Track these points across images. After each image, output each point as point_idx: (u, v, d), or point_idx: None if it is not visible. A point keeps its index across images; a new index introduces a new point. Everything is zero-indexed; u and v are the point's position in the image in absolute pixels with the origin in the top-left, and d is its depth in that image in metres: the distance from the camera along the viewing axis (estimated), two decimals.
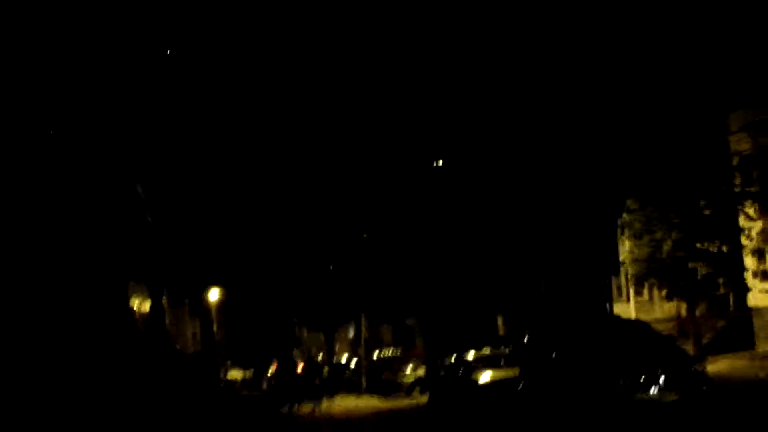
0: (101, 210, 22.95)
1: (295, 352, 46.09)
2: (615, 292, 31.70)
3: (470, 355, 25.85)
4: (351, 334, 43.63)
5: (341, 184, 29.42)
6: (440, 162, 26.82)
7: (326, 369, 41.53)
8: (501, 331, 35.14)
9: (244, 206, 34.37)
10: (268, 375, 39.93)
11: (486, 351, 27.23)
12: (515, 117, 24.30)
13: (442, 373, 26.19)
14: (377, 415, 25.19)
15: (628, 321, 21.62)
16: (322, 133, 28.21)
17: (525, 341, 22.16)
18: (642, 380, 17.74)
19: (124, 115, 24.87)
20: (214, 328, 45.01)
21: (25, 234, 18.55)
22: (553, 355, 20.04)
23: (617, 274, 29.13)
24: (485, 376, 23.40)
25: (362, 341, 34.92)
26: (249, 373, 50.70)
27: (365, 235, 30.28)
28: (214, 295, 43.01)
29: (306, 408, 29.29)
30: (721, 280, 27.12)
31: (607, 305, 28.41)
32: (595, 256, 26.18)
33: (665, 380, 17.50)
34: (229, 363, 50.06)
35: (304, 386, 30.80)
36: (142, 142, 26.95)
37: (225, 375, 47.98)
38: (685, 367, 18.53)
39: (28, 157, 18.92)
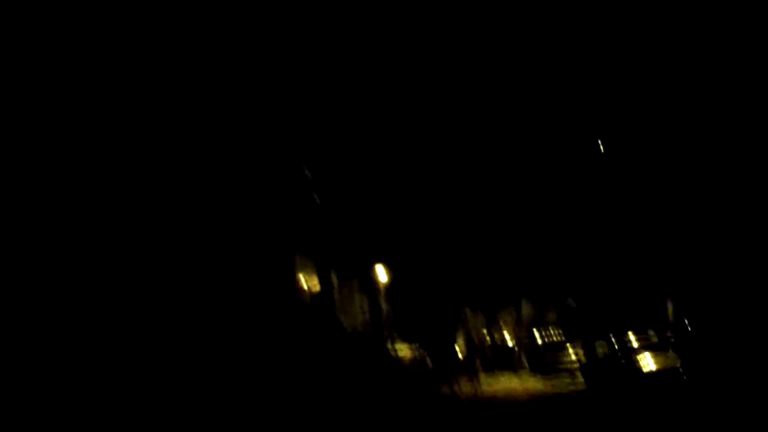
0: (269, 191, 23.74)
1: (459, 332, 46.19)
2: None
3: (633, 340, 25.15)
4: (514, 314, 43.33)
5: (503, 164, 29.16)
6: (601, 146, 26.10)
7: (488, 349, 41.45)
8: (671, 317, 33.95)
9: (411, 186, 34.68)
10: (433, 354, 40.21)
11: (652, 336, 26.45)
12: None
13: (600, 357, 25.65)
14: (536, 397, 25.02)
15: None
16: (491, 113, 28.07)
17: (686, 328, 21.43)
18: None
19: (289, 96, 25.59)
20: (382, 305, 45.75)
21: (190, 212, 19.24)
22: (717, 346, 19.29)
23: None
24: (648, 364, 22.73)
25: (523, 322, 34.64)
26: (417, 351, 51.31)
27: (525, 215, 29.92)
28: (381, 272, 43.72)
29: (467, 387, 29.41)
30: None
31: None
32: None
33: None
34: (398, 340, 50.83)
35: (466, 366, 30.90)
36: (310, 122, 27.66)
37: (394, 352, 48.75)
38: None
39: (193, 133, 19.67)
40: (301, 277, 31.85)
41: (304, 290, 32.08)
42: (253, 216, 22.55)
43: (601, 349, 27.11)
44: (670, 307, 34.46)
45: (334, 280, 37.21)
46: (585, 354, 25.79)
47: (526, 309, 35.08)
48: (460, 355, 32.33)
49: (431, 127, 30.38)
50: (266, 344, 21.16)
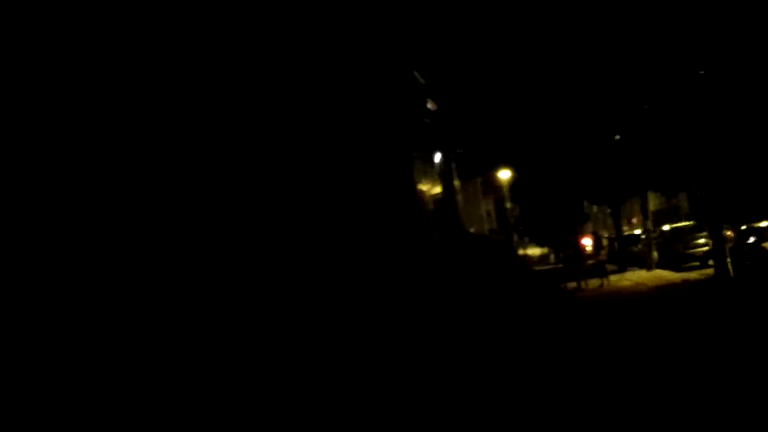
0: (382, 100, 23.68)
1: (586, 227, 45.61)
2: None
3: (764, 225, 24.24)
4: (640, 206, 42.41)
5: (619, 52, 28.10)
6: None
7: (615, 244, 40.79)
8: None
9: (529, 83, 33.95)
10: (560, 251, 39.97)
11: None
12: None
13: (730, 243, 24.80)
14: (662, 289, 24.51)
15: None
16: None
17: None
18: None
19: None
20: (507, 205, 45.62)
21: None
22: None
23: None
24: None
25: (649, 213, 33.79)
26: (546, 250, 51.23)
27: (646, 106, 28.83)
28: (504, 174, 43.52)
29: (594, 283, 29.13)
30: None
31: None
32: None
33: None
34: (527, 240, 50.76)
35: (593, 262, 30.55)
36: (420, 27, 27.34)
37: (524, 251, 48.71)
38: None
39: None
40: (423, 183, 31.86)
41: (425, 196, 32.10)
42: (368, 125, 22.51)
43: (731, 235, 26.21)
44: None
45: (457, 183, 37.14)
46: (713, 241, 24.96)
47: (653, 200, 34.10)
48: (588, 251, 31.85)
49: (544, 24, 29.49)
50: (385, 253, 21.28)
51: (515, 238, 46.56)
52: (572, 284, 29.74)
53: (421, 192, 31.70)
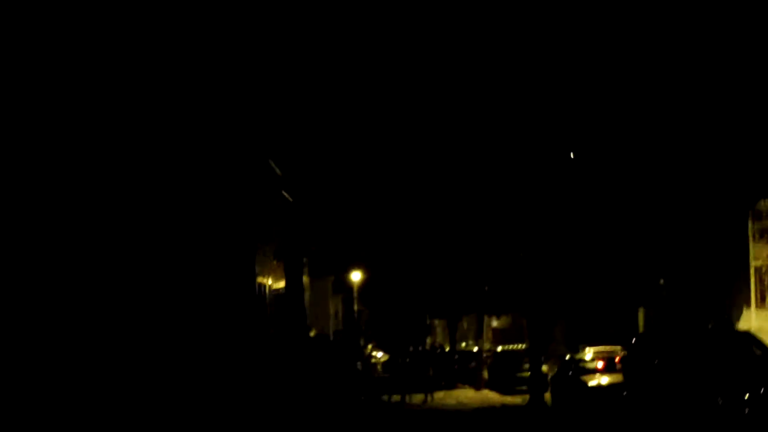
0: (232, 185, 22.96)
1: (425, 341, 45.45)
2: (757, 298, 29.17)
3: (587, 354, 24.36)
4: (494, 323, 42.53)
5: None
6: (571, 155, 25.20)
7: (449, 359, 40.64)
8: (641, 328, 33.06)
9: (388, 187, 33.88)
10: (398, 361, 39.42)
11: (616, 351, 25.62)
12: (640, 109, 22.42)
13: (547, 372, 24.79)
14: (485, 411, 24.27)
15: (739, 333, 19.55)
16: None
17: (632, 344, 20.55)
18: (745, 399, 15.97)
19: (259, 92, 24.87)
20: (355, 307, 45.16)
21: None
22: (656, 362, 18.47)
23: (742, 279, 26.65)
24: (597, 380, 21.98)
25: (486, 332, 33.82)
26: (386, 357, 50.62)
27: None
28: (355, 275, 43.23)
29: (418, 398, 28.62)
30: None
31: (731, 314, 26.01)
32: (721, 259, 24.02)
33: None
34: (372, 344, 50.22)
35: (420, 375, 30.01)
36: (277, 117, 26.92)
37: (369, 355, 48.05)
38: None
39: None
40: (265, 277, 31.02)
41: (266, 290, 31.19)
42: (212, 213, 21.72)
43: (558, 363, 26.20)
44: (641, 317, 33.48)
45: (306, 279, 36.37)
46: (531, 369, 24.95)
47: (493, 320, 34.17)
48: (421, 364, 31.43)
49: (405, 130, 29.49)
50: (220, 345, 20.42)
51: (362, 341, 46.01)
52: (396, 397, 28.97)
53: (261, 285, 30.83)
